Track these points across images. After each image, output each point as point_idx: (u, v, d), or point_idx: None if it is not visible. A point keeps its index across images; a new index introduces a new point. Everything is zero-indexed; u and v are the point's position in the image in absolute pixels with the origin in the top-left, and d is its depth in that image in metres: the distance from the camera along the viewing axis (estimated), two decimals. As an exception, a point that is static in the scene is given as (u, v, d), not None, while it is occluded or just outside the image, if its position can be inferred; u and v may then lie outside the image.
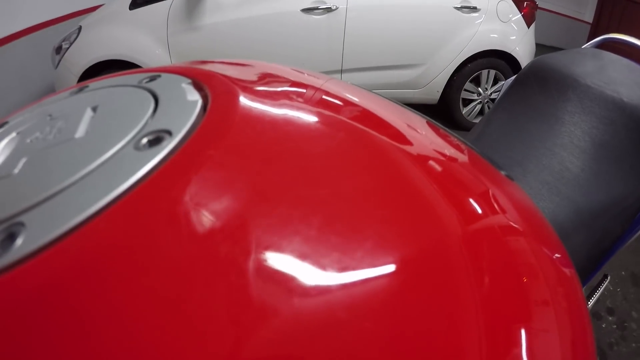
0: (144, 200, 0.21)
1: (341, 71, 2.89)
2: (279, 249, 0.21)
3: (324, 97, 0.38)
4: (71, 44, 2.72)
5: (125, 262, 0.19)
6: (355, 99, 0.40)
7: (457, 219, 0.28)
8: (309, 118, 0.33)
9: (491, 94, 3.11)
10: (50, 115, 0.31)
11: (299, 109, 0.34)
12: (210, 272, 0.19)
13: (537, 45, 3.25)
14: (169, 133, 0.25)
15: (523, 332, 0.26)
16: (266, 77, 0.41)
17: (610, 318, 1.66)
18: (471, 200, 0.32)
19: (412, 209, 0.27)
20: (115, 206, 0.20)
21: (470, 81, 3.06)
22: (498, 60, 3.03)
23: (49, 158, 0.25)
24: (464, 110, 3.13)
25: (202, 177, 0.23)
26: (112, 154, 0.24)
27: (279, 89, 0.38)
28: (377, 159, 0.30)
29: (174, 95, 0.30)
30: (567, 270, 0.36)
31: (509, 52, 2.99)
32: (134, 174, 0.22)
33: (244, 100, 0.31)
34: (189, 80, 0.33)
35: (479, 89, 3.10)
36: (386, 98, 0.47)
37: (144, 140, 0.25)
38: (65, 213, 0.20)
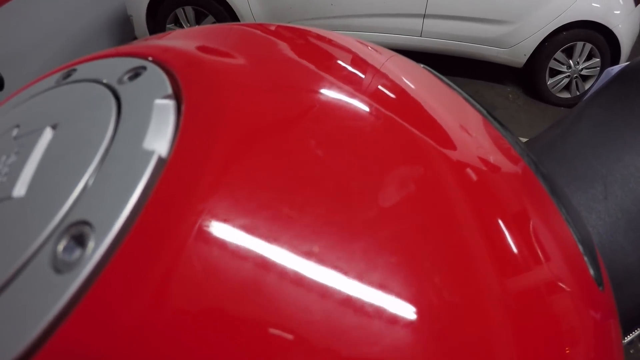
0: None
1: (424, 16, 2.77)
2: None
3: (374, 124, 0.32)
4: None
5: None
6: (409, 93, 0.38)
7: (487, 258, 0.28)
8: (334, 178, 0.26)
9: (582, 69, 2.89)
10: (17, 127, 0.30)
11: (319, 153, 0.26)
12: None
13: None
14: (93, 229, 0.21)
15: None
16: (303, 74, 0.35)
17: (640, 345, 1.56)
18: (506, 240, 0.30)
19: (442, 243, 0.26)
20: None
21: (562, 51, 2.85)
22: (597, 34, 2.80)
23: None
24: (549, 81, 2.94)
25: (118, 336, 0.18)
26: (24, 262, 0.20)
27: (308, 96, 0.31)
28: (412, 189, 0.28)
29: (135, 130, 0.25)
30: (606, 323, 0.36)
31: (610, 27, 2.75)
32: (37, 324, 0.18)
33: (231, 143, 0.25)
34: (170, 92, 0.27)
35: (570, 61, 2.89)
36: (453, 87, 0.44)
37: (62, 245, 0.21)
38: None
